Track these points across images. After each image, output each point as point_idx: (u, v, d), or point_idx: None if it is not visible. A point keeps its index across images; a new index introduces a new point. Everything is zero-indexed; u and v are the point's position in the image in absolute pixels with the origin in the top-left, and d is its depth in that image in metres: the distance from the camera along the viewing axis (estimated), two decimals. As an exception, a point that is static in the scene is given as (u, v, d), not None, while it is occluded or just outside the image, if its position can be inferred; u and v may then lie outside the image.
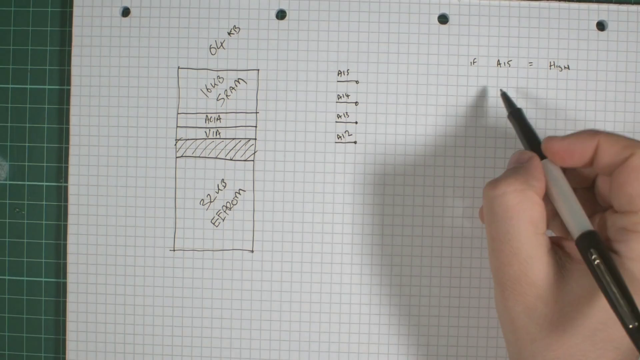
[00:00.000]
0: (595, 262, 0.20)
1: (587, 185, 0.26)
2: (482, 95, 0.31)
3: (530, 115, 0.31)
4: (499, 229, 0.23)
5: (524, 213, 0.22)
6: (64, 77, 0.32)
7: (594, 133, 0.23)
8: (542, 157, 0.25)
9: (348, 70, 0.31)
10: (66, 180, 0.32)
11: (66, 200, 0.32)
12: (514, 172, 0.24)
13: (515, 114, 0.28)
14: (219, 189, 0.32)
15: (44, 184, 0.32)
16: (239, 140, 0.31)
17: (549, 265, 0.22)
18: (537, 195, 0.23)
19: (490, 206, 0.23)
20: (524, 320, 0.22)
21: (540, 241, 0.22)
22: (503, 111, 0.31)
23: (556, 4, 0.31)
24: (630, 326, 0.19)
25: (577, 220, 0.22)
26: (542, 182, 0.23)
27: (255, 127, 0.31)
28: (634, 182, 0.21)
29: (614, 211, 0.23)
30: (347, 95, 0.31)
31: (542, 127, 0.31)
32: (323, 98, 0.31)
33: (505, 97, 0.30)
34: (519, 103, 0.31)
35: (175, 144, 0.32)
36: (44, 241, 0.32)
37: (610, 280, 0.20)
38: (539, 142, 0.26)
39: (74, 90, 0.32)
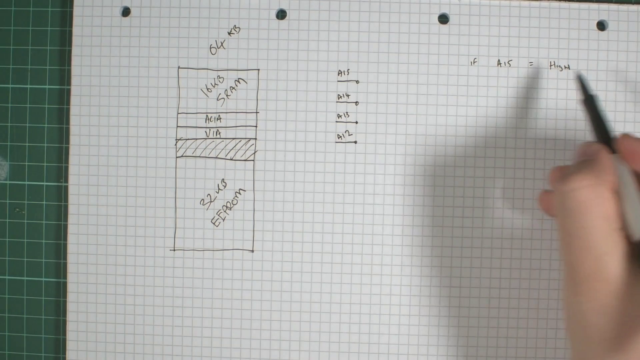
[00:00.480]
0: None
1: None
2: (483, 94, 0.31)
3: (530, 115, 0.31)
4: (572, 224, 0.22)
5: (597, 209, 0.22)
6: (64, 77, 0.32)
7: None
8: (611, 150, 0.24)
9: (348, 70, 0.31)
10: (66, 180, 0.32)
11: (66, 200, 0.32)
12: (586, 166, 0.23)
13: (589, 101, 0.27)
14: (219, 189, 0.32)
15: (44, 184, 0.32)
16: (239, 140, 0.31)
17: (624, 263, 0.22)
18: (609, 190, 0.22)
19: (562, 201, 0.23)
20: (595, 318, 0.22)
21: (614, 237, 0.22)
22: (503, 111, 0.31)
23: (556, 4, 0.31)
24: None
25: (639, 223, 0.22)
26: (615, 177, 0.23)
27: (256, 127, 0.31)
28: None
29: None
30: (347, 95, 0.31)
31: (542, 127, 0.31)
32: (323, 98, 0.31)
33: (580, 80, 0.28)
34: (519, 103, 0.31)
35: (176, 144, 0.32)
36: (44, 241, 0.32)
37: None
38: (610, 135, 0.25)
39: (74, 90, 0.32)
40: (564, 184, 0.23)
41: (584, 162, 0.24)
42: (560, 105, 0.31)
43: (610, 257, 0.22)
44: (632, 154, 0.23)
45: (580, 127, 0.31)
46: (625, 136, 0.24)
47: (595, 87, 0.31)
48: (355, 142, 0.31)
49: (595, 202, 0.22)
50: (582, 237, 0.22)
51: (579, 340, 0.23)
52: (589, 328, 0.22)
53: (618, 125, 0.31)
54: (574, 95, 0.31)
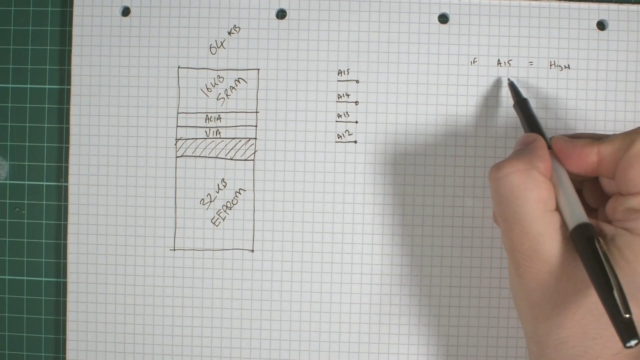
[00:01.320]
0: (601, 250, 0.21)
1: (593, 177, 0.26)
2: (484, 94, 0.31)
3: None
4: (507, 209, 0.23)
5: (530, 192, 0.23)
6: (64, 77, 0.32)
7: (592, 140, 0.24)
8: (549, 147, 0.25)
9: (348, 69, 0.31)
10: (66, 180, 0.32)
11: (66, 200, 0.32)
12: (518, 154, 0.24)
13: (521, 104, 0.29)
14: (219, 189, 0.32)
15: (44, 183, 0.32)
16: (239, 139, 0.31)
17: (560, 242, 0.22)
18: (541, 175, 0.23)
19: (496, 188, 0.24)
20: (538, 297, 0.23)
21: (549, 218, 0.23)
22: (504, 111, 0.31)
23: (556, 3, 0.31)
24: (627, 315, 0.19)
25: (574, 212, 0.22)
26: (548, 163, 0.24)
27: (256, 126, 0.31)
28: (637, 165, 0.22)
29: (621, 194, 0.23)
30: (347, 95, 0.31)
31: (542, 126, 0.31)
32: (323, 98, 0.31)
33: (512, 86, 0.30)
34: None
35: (175, 144, 0.32)
36: (44, 241, 0.32)
37: (610, 271, 0.20)
38: (543, 133, 0.26)
39: (74, 90, 0.32)
40: (496, 171, 0.24)
41: (518, 151, 0.25)
42: (560, 105, 0.31)
43: (545, 238, 0.22)
44: (568, 152, 0.24)
45: (581, 127, 0.31)
46: (558, 137, 0.25)
47: (594, 87, 0.31)
48: (355, 142, 0.31)
49: (528, 186, 0.23)
50: (517, 221, 0.23)
51: (527, 319, 0.24)
52: (533, 307, 0.23)
53: (618, 125, 0.31)
54: (574, 95, 0.31)
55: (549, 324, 0.23)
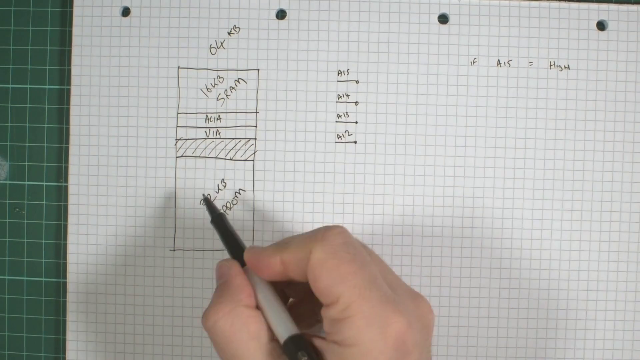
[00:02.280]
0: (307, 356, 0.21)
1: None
2: (483, 94, 0.31)
3: (530, 115, 0.31)
4: (226, 355, 0.23)
5: (242, 333, 0.22)
6: (64, 77, 0.32)
7: (276, 249, 0.23)
8: (243, 263, 0.25)
9: (348, 70, 0.31)
10: (66, 180, 0.32)
11: (66, 200, 0.32)
12: (220, 293, 0.24)
13: (217, 220, 0.28)
14: (219, 189, 0.32)
15: (44, 184, 0.32)
16: (239, 140, 0.31)
17: None
18: (248, 308, 0.23)
19: (212, 337, 0.23)
20: None
21: (267, 351, 0.22)
22: (504, 111, 0.31)
23: (556, 4, 0.31)
24: None
25: (283, 325, 0.22)
26: (249, 290, 0.23)
27: (255, 127, 0.31)
28: (322, 276, 0.21)
29: (325, 305, 0.22)
30: (347, 95, 0.31)
31: (542, 126, 0.31)
32: (323, 98, 0.31)
33: (207, 202, 0.30)
34: (519, 103, 0.31)
35: (175, 144, 0.32)
36: (44, 241, 0.32)
37: None
38: (240, 248, 0.26)
39: (74, 90, 0.32)
40: (206, 320, 0.23)
41: (220, 288, 0.24)
42: (560, 105, 0.31)
43: None
44: (257, 264, 0.24)
45: (580, 127, 0.31)
46: (249, 249, 0.24)
47: (594, 87, 0.31)
48: (355, 142, 0.31)
49: (238, 327, 0.22)
50: None
51: None
52: None
53: (618, 125, 0.31)
54: (574, 96, 0.31)
55: None
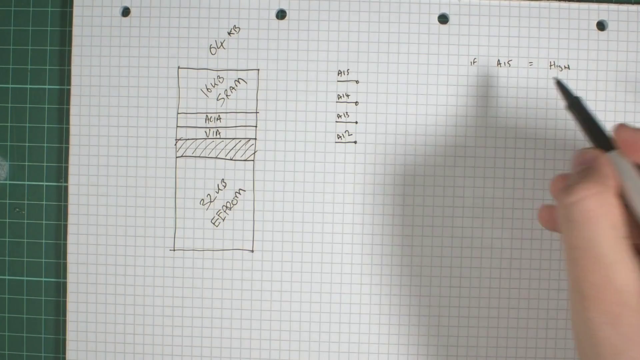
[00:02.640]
0: None
1: None
2: (483, 94, 0.31)
3: (530, 115, 0.31)
4: (578, 235, 0.22)
5: (605, 217, 0.21)
6: (64, 77, 0.32)
7: None
8: (608, 148, 0.24)
9: (348, 70, 0.31)
10: (66, 180, 0.32)
11: (66, 200, 0.32)
12: (587, 174, 0.22)
13: (576, 105, 0.26)
14: (219, 189, 0.32)
15: (44, 184, 0.32)
16: (239, 140, 0.31)
17: (635, 271, 0.21)
18: (614, 196, 0.22)
19: (566, 213, 0.22)
20: (607, 332, 0.21)
21: (622, 245, 0.21)
22: (504, 111, 0.31)
23: (556, 4, 0.31)
24: None
25: None
26: (617, 180, 0.22)
27: (255, 127, 0.31)
28: None
29: None
30: (347, 95, 0.31)
31: (542, 126, 0.31)
32: (323, 98, 0.31)
33: (560, 86, 0.27)
34: (519, 103, 0.31)
35: (175, 144, 0.32)
36: (44, 241, 0.32)
37: None
38: (604, 134, 0.24)
39: (74, 90, 0.32)
40: (567, 195, 0.22)
41: (585, 170, 0.23)
42: (560, 105, 0.31)
43: (620, 266, 0.21)
44: (631, 145, 0.23)
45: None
46: (621, 127, 0.23)
47: (594, 87, 0.31)
48: (355, 142, 0.31)
49: (602, 211, 0.21)
50: (589, 248, 0.21)
51: (588, 356, 0.22)
52: (600, 344, 0.22)
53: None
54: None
55: None
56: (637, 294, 0.21)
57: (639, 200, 0.22)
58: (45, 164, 0.33)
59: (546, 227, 0.26)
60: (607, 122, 0.31)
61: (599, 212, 0.21)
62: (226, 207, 0.32)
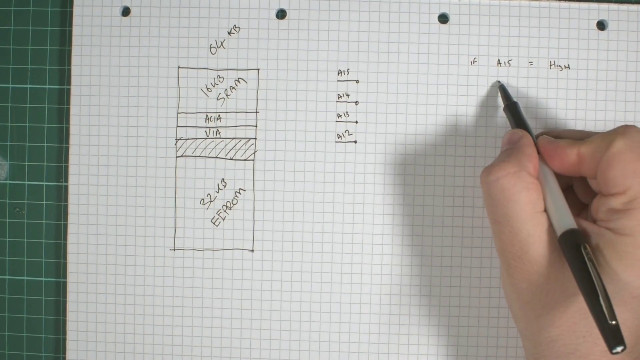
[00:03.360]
0: (587, 257, 0.21)
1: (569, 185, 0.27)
2: (484, 94, 0.31)
3: (530, 115, 0.31)
4: (498, 211, 0.24)
5: (520, 194, 0.23)
6: (64, 77, 0.32)
7: (573, 142, 0.24)
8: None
9: (348, 69, 0.31)
10: (66, 180, 0.32)
11: (66, 200, 0.32)
12: (507, 155, 0.25)
13: (511, 107, 0.29)
14: (219, 189, 0.32)
15: (44, 183, 0.32)
16: (239, 139, 0.31)
17: (548, 244, 0.23)
18: (531, 175, 0.24)
19: (487, 191, 0.24)
20: (528, 296, 0.23)
21: (538, 220, 0.23)
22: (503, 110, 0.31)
23: (556, 3, 0.31)
24: (613, 322, 0.20)
25: (562, 218, 0.23)
26: (536, 162, 0.24)
27: (255, 126, 0.31)
28: (616, 166, 0.22)
29: (603, 195, 0.23)
30: (347, 95, 0.31)
31: (542, 126, 0.31)
32: (323, 98, 0.31)
33: (502, 89, 0.30)
34: (520, 102, 0.31)
35: (175, 144, 0.32)
36: (44, 241, 0.32)
37: (596, 278, 0.21)
38: (531, 133, 0.27)
39: (74, 90, 0.32)
40: (487, 174, 0.24)
41: (507, 151, 0.25)
42: (560, 105, 0.31)
43: (535, 239, 0.23)
44: (552, 152, 0.25)
45: (580, 127, 0.31)
46: (544, 137, 0.25)
47: (594, 87, 0.31)
48: (355, 141, 0.31)
49: (518, 189, 0.23)
50: (508, 223, 0.23)
51: (519, 318, 0.24)
52: (524, 306, 0.24)
53: (618, 125, 0.31)
54: (574, 95, 0.31)
55: (540, 322, 0.23)
56: (550, 264, 0.23)
57: (549, 201, 0.24)
58: (45, 164, 0.33)
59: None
60: (608, 121, 0.31)
61: (514, 190, 0.23)
62: (226, 206, 0.32)
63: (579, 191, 0.27)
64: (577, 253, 0.21)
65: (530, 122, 0.31)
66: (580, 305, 0.22)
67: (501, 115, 0.31)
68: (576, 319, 0.22)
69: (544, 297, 0.23)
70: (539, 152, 0.25)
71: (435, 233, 0.31)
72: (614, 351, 0.19)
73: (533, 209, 0.23)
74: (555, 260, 0.23)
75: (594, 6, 0.31)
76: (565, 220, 0.23)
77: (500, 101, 0.31)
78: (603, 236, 0.22)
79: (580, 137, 0.25)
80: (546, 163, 0.25)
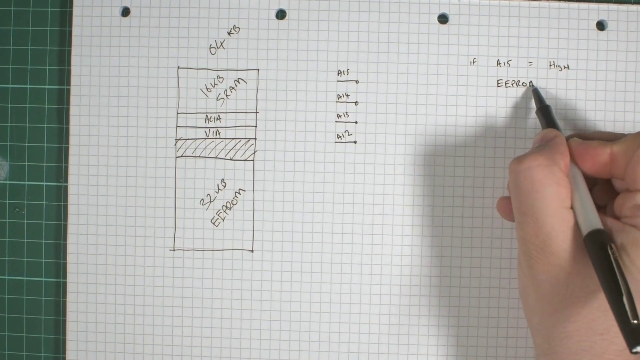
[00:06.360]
0: (614, 257, 0.21)
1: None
2: (483, 94, 0.31)
3: (530, 114, 0.31)
4: (524, 201, 0.24)
5: (549, 187, 0.23)
6: (64, 77, 0.32)
7: (605, 142, 0.24)
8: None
9: (348, 70, 0.31)
10: (66, 180, 0.32)
11: (66, 200, 0.32)
12: (540, 149, 0.25)
13: (544, 110, 0.29)
14: (219, 189, 0.32)
15: (44, 184, 0.32)
16: (239, 140, 0.31)
17: (572, 240, 0.23)
18: (561, 171, 0.24)
19: (516, 180, 0.24)
20: (547, 289, 0.23)
21: (564, 215, 0.23)
22: (503, 111, 0.31)
23: (556, 4, 0.31)
24: (635, 321, 0.20)
25: (589, 217, 0.23)
26: (568, 160, 0.24)
27: (255, 127, 0.31)
28: None
29: (629, 191, 0.24)
30: (347, 95, 0.31)
31: (538, 122, 0.31)
32: (323, 98, 0.31)
33: (536, 92, 0.30)
34: (519, 103, 0.31)
35: (175, 144, 0.32)
36: (44, 241, 0.32)
37: (620, 277, 0.20)
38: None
39: (74, 90, 0.32)
40: (518, 163, 0.24)
41: (540, 146, 0.25)
42: (560, 105, 0.31)
43: (559, 234, 0.23)
44: (584, 153, 0.25)
45: (580, 127, 0.31)
46: (576, 139, 0.26)
47: (594, 87, 0.31)
48: (355, 142, 0.31)
49: (548, 182, 0.23)
50: (533, 214, 0.23)
51: (534, 310, 0.24)
52: (541, 299, 0.24)
53: (617, 125, 0.31)
54: (574, 96, 0.31)
55: (556, 317, 0.23)
56: (572, 260, 0.23)
57: (578, 199, 0.24)
58: (45, 164, 0.33)
59: (504, 217, 0.28)
60: (607, 121, 0.31)
61: (544, 182, 0.23)
62: (226, 207, 0.32)
63: (597, 195, 0.27)
64: (602, 253, 0.21)
65: (531, 123, 0.31)
66: (600, 302, 0.22)
67: (501, 115, 0.31)
68: (594, 316, 0.22)
69: (563, 291, 0.23)
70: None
71: (435, 233, 0.31)
72: (634, 350, 0.19)
73: (560, 204, 0.23)
74: (578, 257, 0.23)
75: (594, 6, 0.31)
76: (592, 219, 0.23)
77: (503, 101, 0.31)
78: (628, 234, 0.22)
79: (610, 138, 0.25)
80: (576, 164, 0.25)
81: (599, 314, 0.22)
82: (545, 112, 0.29)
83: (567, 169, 0.24)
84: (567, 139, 0.26)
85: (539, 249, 0.23)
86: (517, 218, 0.25)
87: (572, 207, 0.24)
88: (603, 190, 0.26)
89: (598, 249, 0.22)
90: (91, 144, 0.32)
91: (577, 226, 0.23)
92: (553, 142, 0.25)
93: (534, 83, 0.31)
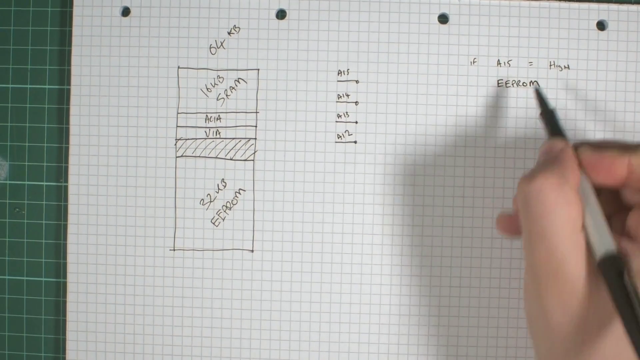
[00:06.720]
0: (629, 287, 0.20)
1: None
2: (483, 94, 0.31)
3: (530, 114, 0.31)
4: (534, 224, 0.22)
5: (561, 211, 0.21)
6: (64, 77, 0.32)
7: (622, 151, 0.22)
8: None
9: (348, 70, 0.31)
10: (66, 180, 0.32)
11: (66, 200, 0.32)
12: (549, 165, 0.23)
13: (548, 115, 0.27)
14: (219, 189, 0.32)
15: (44, 183, 0.32)
16: (239, 140, 0.31)
17: (586, 265, 0.21)
18: (572, 189, 0.22)
19: (526, 202, 0.22)
20: (558, 317, 0.22)
21: (576, 239, 0.22)
22: (503, 111, 0.31)
23: (556, 4, 0.31)
24: None
25: (602, 239, 0.21)
26: (577, 174, 0.23)
27: (255, 126, 0.31)
28: None
29: None
30: (347, 95, 0.31)
31: (542, 126, 0.31)
32: (323, 98, 0.31)
33: (538, 94, 0.29)
34: (519, 102, 0.31)
35: (175, 144, 0.32)
36: (44, 241, 0.32)
37: (637, 307, 0.19)
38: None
39: (74, 90, 0.32)
40: (528, 184, 0.22)
41: (548, 161, 0.23)
42: (560, 105, 0.31)
43: (571, 260, 0.21)
44: (596, 164, 0.23)
45: (580, 127, 0.31)
46: (587, 148, 0.24)
47: (594, 87, 0.31)
48: (355, 142, 0.31)
49: (560, 204, 0.22)
50: (544, 238, 0.22)
51: (543, 338, 0.23)
52: (551, 327, 0.22)
53: (617, 125, 0.31)
54: (574, 96, 0.31)
55: (568, 346, 0.22)
56: (586, 286, 0.21)
57: (590, 218, 0.22)
58: (45, 164, 0.33)
59: (504, 235, 0.26)
60: (607, 121, 0.31)
61: (556, 204, 0.22)
62: (226, 207, 0.32)
63: (602, 206, 0.25)
64: (618, 280, 0.20)
65: (530, 123, 0.31)
66: (617, 333, 0.21)
67: (501, 115, 0.31)
68: (611, 349, 0.21)
69: (575, 319, 0.21)
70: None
71: (435, 233, 0.31)
72: None
73: (572, 228, 0.22)
74: (592, 282, 0.21)
75: (594, 6, 0.31)
76: (606, 242, 0.21)
77: (503, 101, 0.31)
78: None
79: (622, 146, 0.23)
80: (586, 176, 0.23)
81: (614, 346, 0.21)
82: (550, 117, 0.27)
83: (578, 184, 0.23)
84: (575, 146, 0.24)
85: (549, 275, 0.22)
86: (526, 240, 0.23)
87: (583, 226, 0.22)
88: (608, 201, 0.25)
89: (614, 276, 0.20)
90: (91, 144, 0.32)
91: (588, 251, 0.22)
92: (562, 156, 0.23)
93: (535, 84, 0.31)
